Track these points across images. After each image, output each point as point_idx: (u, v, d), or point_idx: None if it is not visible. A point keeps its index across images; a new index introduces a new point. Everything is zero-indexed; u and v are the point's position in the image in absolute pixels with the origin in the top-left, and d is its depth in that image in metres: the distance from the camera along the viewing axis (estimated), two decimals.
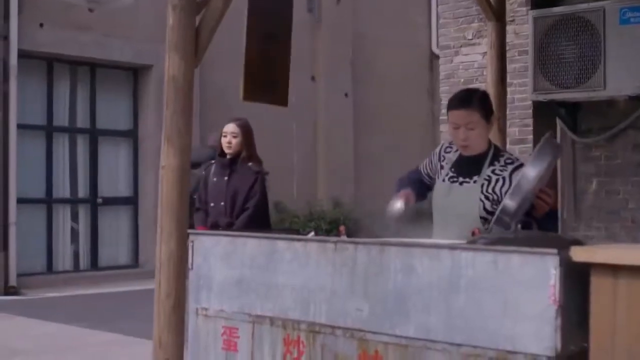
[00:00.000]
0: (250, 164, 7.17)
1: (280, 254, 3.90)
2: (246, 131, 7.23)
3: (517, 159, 4.63)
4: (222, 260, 4.17)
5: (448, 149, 4.78)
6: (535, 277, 3.04)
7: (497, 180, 4.48)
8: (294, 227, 13.57)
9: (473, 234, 4.09)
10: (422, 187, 4.83)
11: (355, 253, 3.61)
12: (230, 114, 15.59)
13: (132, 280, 14.00)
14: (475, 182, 4.52)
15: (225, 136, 7.10)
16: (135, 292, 12.64)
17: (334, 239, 3.82)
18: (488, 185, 4.48)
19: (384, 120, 17.75)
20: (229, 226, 6.85)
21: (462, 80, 9.43)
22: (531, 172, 4.03)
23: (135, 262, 15.40)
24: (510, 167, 4.50)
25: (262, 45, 5.42)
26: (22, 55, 13.29)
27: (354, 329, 3.60)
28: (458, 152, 4.69)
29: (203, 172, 7.28)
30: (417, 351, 3.39)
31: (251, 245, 4.04)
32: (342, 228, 4.58)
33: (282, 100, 5.56)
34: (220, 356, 4.17)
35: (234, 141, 7.11)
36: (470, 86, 9.28)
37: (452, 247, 3.34)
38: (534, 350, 3.04)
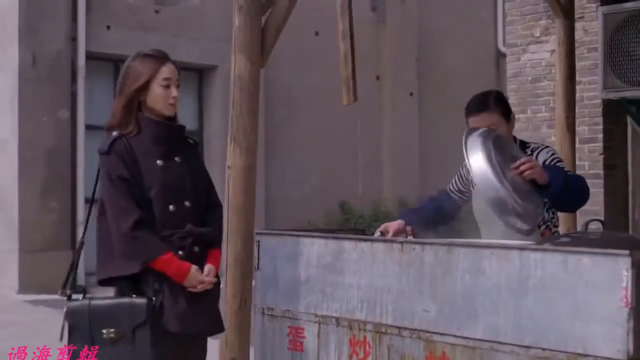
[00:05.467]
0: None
1: (347, 254, 3.89)
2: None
3: (543, 145, 4.67)
4: (288, 261, 4.17)
5: None
6: (607, 278, 2.99)
7: None
8: (359, 227, 13.56)
9: (542, 235, 4.04)
10: (441, 209, 4.80)
11: (422, 253, 3.58)
12: (296, 112, 15.74)
13: None
14: None
15: (167, 86, 4.20)
16: None
17: (401, 239, 3.80)
18: None
19: (449, 119, 17.61)
20: (205, 240, 4.19)
21: (529, 78, 9.33)
22: (477, 164, 4.00)
23: None
24: (536, 152, 4.53)
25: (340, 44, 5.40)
26: (90, 56, 13.45)
27: (420, 330, 3.57)
28: None
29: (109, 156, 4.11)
30: (484, 353, 3.35)
31: (318, 245, 4.03)
32: (409, 228, 4.55)
33: (355, 98, 5.51)
34: (286, 356, 4.17)
35: (178, 94, 4.27)
36: (539, 84, 9.20)
37: (521, 248, 3.30)
38: (605, 354, 2.99)
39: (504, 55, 12.92)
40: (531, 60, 9.37)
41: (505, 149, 4.14)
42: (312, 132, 15.86)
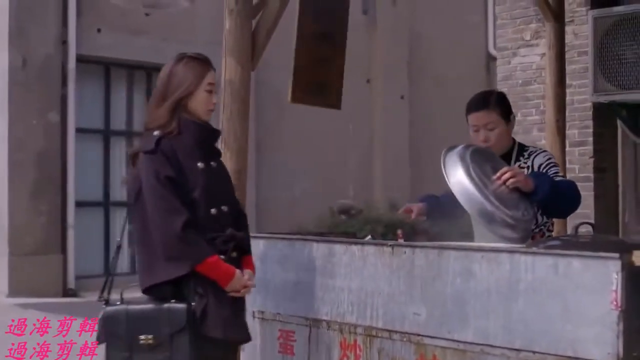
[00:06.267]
0: None
1: (337, 257, 3.89)
2: None
3: (541, 149, 4.67)
4: (279, 264, 4.16)
5: None
6: (597, 281, 2.99)
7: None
8: (349, 231, 13.51)
9: (533, 238, 4.04)
10: (454, 204, 4.81)
11: (413, 257, 3.58)
12: (286, 115, 15.71)
13: None
14: None
15: (210, 91, 4.13)
16: None
17: (391, 242, 3.80)
18: None
19: (440, 123, 17.65)
20: (242, 246, 4.04)
21: (520, 81, 9.33)
22: (457, 182, 3.99)
23: None
24: (533, 156, 4.52)
25: (314, 46, 5.36)
26: (80, 59, 13.42)
27: (411, 333, 3.58)
28: None
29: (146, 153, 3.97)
30: (475, 356, 3.35)
31: (308, 249, 4.03)
32: (399, 232, 4.55)
33: (335, 103, 5.48)
34: None
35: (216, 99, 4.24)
36: (529, 88, 9.20)
37: (511, 251, 3.30)
38: (595, 356, 2.99)
39: (494, 59, 12.93)
40: (521, 63, 9.38)
41: (485, 161, 4.13)
42: (303, 135, 15.86)
